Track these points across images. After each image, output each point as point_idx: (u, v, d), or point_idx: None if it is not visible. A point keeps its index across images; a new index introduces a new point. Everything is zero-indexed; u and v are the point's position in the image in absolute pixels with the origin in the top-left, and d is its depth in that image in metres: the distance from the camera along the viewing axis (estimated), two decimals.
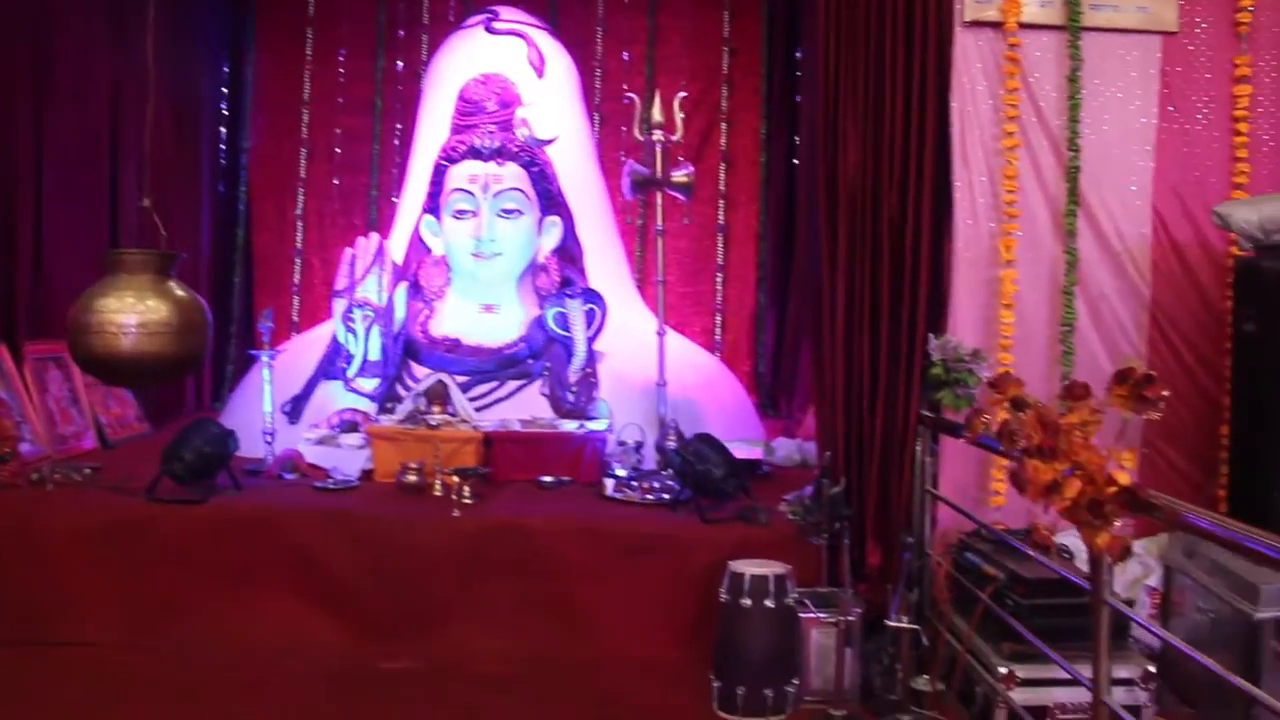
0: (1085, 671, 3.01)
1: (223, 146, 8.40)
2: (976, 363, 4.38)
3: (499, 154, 6.35)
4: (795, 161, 8.38)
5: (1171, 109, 4.83)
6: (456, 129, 6.56)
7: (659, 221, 5.90)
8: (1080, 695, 3.59)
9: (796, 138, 8.42)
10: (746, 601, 4.00)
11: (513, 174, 6.38)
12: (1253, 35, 4.84)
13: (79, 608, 4.59)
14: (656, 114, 5.66)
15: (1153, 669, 3.71)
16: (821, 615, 4.12)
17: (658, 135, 5.67)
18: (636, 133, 5.76)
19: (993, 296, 4.73)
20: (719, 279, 8.43)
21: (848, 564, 4.12)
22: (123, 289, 4.59)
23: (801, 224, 8.07)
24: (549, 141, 6.53)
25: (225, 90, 8.41)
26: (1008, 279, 4.68)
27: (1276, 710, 2.32)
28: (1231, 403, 4.53)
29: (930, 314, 4.60)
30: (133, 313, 4.54)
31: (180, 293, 4.71)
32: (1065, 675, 3.53)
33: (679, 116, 5.74)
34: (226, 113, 8.42)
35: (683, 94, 5.94)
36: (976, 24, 4.72)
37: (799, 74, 8.37)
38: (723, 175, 8.38)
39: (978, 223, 4.73)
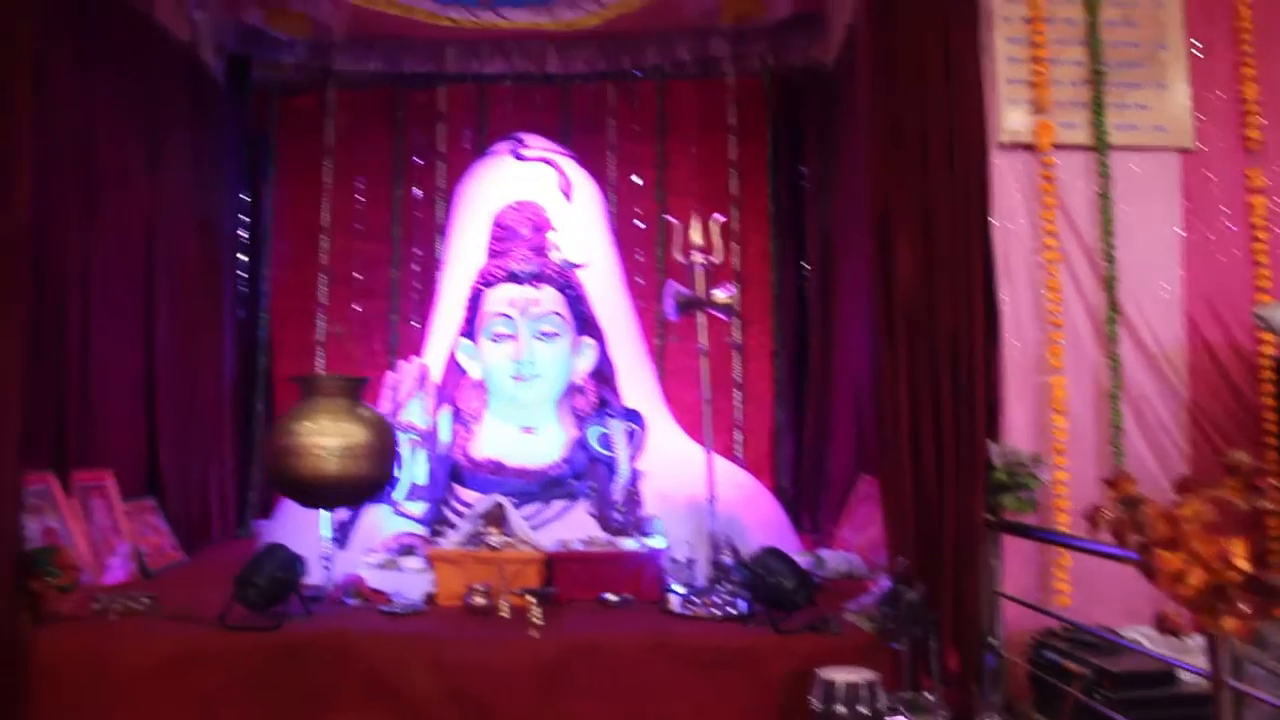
0: None
1: (242, 274, 8.48)
2: (1037, 466, 4.58)
3: (536, 278, 6.51)
4: (804, 278, 8.59)
5: (1195, 220, 5.13)
6: (492, 254, 6.72)
7: (703, 342, 6.05)
8: None
9: (804, 262, 8.66)
10: (841, 709, 4.06)
11: (549, 297, 6.54)
12: (1263, 151, 5.18)
13: None
14: (696, 236, 5.86)
15: None
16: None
17: (698, 257, 5.86)
18: (677, 255, 5.93)
19: (1041, 403, 4.94)
20: (737, 396, 8.58)
21: (937, 668, 4.22)
22: (319, 412, 4.74)
23: (815, 341, 8.28)
24: (582, 265, 6.73)
25: (245, 218, 8.53)
26: (1058, 385, 4.89)
27: None
28: None
29: (986, 421, 4.78)
30: (334, 435, 4.68)
31: (370, 415, 4.85)
32: None
33: (716, 238, 5.94)
34: (246, 240, 8.52)
35: (720, 217, 6.12)
36: (1012, 146, 5.02)
37: (805, 191, 8.62)
38: (737, 294, 8.52)
39: (1023, 332, 4.96)
